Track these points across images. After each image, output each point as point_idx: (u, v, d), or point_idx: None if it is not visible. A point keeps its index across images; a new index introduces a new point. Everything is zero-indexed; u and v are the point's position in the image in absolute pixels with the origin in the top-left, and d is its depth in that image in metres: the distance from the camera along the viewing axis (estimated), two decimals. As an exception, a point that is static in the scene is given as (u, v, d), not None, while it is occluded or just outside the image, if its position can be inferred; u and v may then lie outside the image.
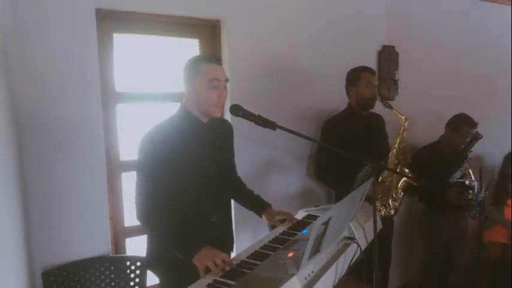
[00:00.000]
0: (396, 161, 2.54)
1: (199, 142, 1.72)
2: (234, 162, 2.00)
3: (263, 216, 1.93)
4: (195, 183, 1.71)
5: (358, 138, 2.49)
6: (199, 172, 1.72)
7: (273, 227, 1.94)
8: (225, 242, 1.83)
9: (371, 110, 2.66)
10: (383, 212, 2.54)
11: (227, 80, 1.73)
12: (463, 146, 3.14)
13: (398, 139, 2.55)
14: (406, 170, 2.53)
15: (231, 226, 1.96)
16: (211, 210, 1.76)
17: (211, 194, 1.76)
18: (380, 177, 2.54)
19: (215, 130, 1.82)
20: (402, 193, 2.56)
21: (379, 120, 2.77)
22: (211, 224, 1.76)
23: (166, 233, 1.64)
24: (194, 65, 1.70)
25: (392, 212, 2.56)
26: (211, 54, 1.76)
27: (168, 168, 1.62)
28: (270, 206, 1.95)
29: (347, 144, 2.37)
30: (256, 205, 1.96)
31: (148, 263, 1.87)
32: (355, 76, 2.58)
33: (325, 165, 2.63)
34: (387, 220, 2.58)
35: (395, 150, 2.54)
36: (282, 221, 1.89)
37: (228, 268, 1.46)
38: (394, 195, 2.54)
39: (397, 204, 2.56)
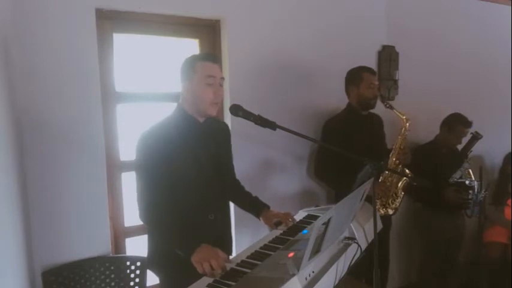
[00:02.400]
0: (397, 161, 2.54)
1: (196, 141, 1.73)
2: (231, 163, 2.00)
3: (260, 218, 1.93)
4: (193, 181, 1.72)
5: (359, 138, 2.49)
6: (196, 171, 1.73)
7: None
8: (224, 241, 1.83)
9: (371, 110, 2.66)
10: (383, 212, 2.54)
11: (223, 78, 1.75)
12: (463, 146, 3.14)
13: (400, 139, 2.55)
14: (407, 171, 2.54)
15: (229, 225, 1.95)
16: (209, 208, 1.77)
17: (208, 192, 1.76)
18: (381, 178, 2.55)
19: (212, 130, 1.82)
20: (402, 193, 2.56)
21: (378, 120, 2.78)
22: (209, 222, 1.76)
23: (167, 231, 1.64)
24: (190, 63, 1.72)
25: (392, 211, 2.56)
26: (208, 52, 1.77)
27: (165, 167, 1.63)
28: (268, 207, 1.95)
29: (347, 144, 2.37)
30: (254, 207, 1.96)
31: (149, 262, 1.87)
32: (357, 76, 2.58)
33: (324, 165, 2.64)
34: (385, 219, 2.58)
35: (396, 150, 2.54)
36: (278, 224, 1.88)
37: (220, 271, 1.44)
38: (394, 195, 2.55)
39: (397, 204, 2.56)
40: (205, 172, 1.75)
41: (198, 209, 1.74)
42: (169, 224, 1.64)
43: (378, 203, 2.53)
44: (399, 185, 2.55)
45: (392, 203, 2.55)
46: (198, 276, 1.42)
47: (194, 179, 1.72)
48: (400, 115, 2.56)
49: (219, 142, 1.87)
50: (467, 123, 3.01)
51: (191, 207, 1.72)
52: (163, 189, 1.65)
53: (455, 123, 3.03)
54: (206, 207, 1.76)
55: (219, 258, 1.48)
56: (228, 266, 1.47)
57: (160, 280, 1.84)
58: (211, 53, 1.74)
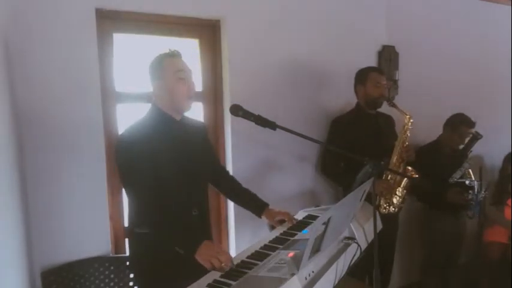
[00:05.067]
0: (400, 159, 2.54)
1: (175, 139, 1.74)
2: (215, 158, 2.04)
3: (263, 217, 1.93)
4: (175, 179, 1.72)
5: (366, 137, 2.52)
6: (177, 168, 1.73)
7: (273, 227, 1.94)
8: (206, 234, 1.86)
9: (380, 110, 2.69)
10: (386, 210, 2.55)
11: (191, 71, 1.77)
12: (463, 146, 3.14)
13: (402, 137, 2.56)
14: (409, 168, 2.54)
15: (209, 219, 1.97)
16: (192, 204, 1.79)
17: (190, 188, 1.78)
18: (384, 175, 2.55)
19: (188, 127, 1.84)
20: (405, 191, 2.57)
21: (388, 120, 2.79)
22: (193, 217, 1.78)
23: (166, 231, 1.65)
24: (158, 62, 1.74)
25: (396, 209, 2.57)
26: (172, 49, 1.78)
27: (149, 167, 1.63)
28: (268, 205, 1.96)
29: (354, 142, 2.39)
30: (254, 205, 1.97)
31: (132, 264, 1.87)
32: (364, 76, 2.62)
33: (330, 162, 2.71)
34: (391, 220, 2.58)
35: (399, 148, 2.55)
36: (281, 222, 1.89)
37: (230, 265, 1.47)
38: (398, 193, 2.55)
39: (400, 201, 2.57)
40: (186, 169, 1.75)
41: (183, 205, 1.75)
42: (165, 223, 1.65)
43: (382, 201, 2.54)
44: (402, 183, 2.56)
45: (397, 201, 2.56)
46: (182, 278, 1.42)
47: (176, 176, 1.73)
48: (403, 113, 2.57)
49: (196, 138, 1.87)
50: (471, 124, 3.01)
51: (176, 204, 1.72)
52: (152, 189, 1.65)
53: (459, 123, 3.03)
54: (190, 203, 1.78)
55: (226, 253, 1.51)
56: (228, 266, 1.48)
57: (139, 282, 1.85)
58: (174, 49, 1.76)
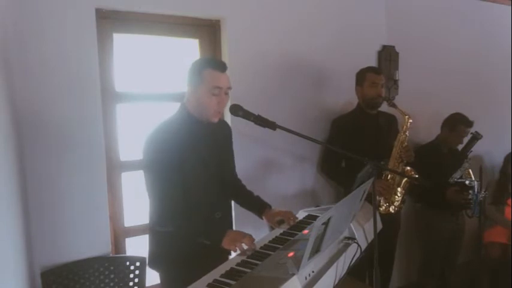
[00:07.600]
0: (399, 160, 2.55)
1: (200, 141, 1.75)
2: (233, 162, 2.02)
3: (263, 218, 1.94)
4: (200, 181, 1.75)
5: (365, 138, 2.52)
6: (202, 170, 1.75)
7: (272, 227, 1.94)
8: None
9: (383, 110, 2.69)
10: (386, 210, 2.55)
11: (229, 88, 1.74)
12: (463, 146, 3.14)
13: (401, 137, 2.56)
14: (408, 168, 2.54)
15: (232, 223, 2.01)
16: (215, 207, 1.81)
17: (214, 191, 1.80)
18: (383, 175, 2.56)
19: (215, 130, 1.84)
20: (403, 191, 2.57)
21: (390, 119, 2.78)
22: (215, 220, 1.80)
23: (189, 226, 1.68)
24: (199, 69, 1.70)
25: (396, 209, 2.57)
26: (218, 60, 1.76)
27: (174, 167, 1.65)
28: (269, 206, 1.97)
29: (354, 142, 2.39)
30: (256, 206, 1.98)
31: (150, 261, 1.87)
32: (361, 76, 2.64)
33: (329, 161, 2.73)
34: (392, 220, 2.59)
35: (398, 148, 2.55)
36: (280, 223, 1.89)
37: (254, 248, 1.60)
38: (397, 193, 2.55)
39: (400, 201, 2.57)
40: (210, 171, 1.78)
41: (206, 207, 1.77)
42: (191, 218, 1.68)
43: (381, 200, 2.55)
44: (402, 183, 2.56)
45: (396, 201, 2.56)
46: (199, 274, 1.43)
47: (201, 179, 1.75)
48: (402, 113, 2.57)
49: (221, 141, 1.89)
50: (468, 123, 3.01)
51: (199, 206, 1.75)
52: (178, 188, 1.67)
53: (457, 123, 3.03)
54: (213, 206, 1.80)
55: (249, 237, 1.63)
56: (229, 265, 1.48)
57: (161, 278, 1.85)
58: (221, 60, 1.73)
